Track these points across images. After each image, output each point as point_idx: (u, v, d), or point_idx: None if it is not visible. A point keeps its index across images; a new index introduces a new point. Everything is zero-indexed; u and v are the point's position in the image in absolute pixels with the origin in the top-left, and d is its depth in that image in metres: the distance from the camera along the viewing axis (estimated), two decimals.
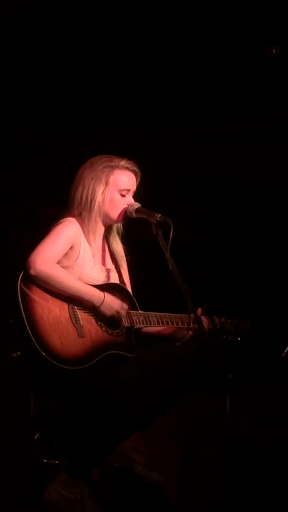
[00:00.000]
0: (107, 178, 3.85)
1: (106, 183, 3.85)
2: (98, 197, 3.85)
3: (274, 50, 4.71)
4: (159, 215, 3.79)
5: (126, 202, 3.89)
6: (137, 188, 3.95)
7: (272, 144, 5.42)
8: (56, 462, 3.88)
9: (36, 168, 5.20)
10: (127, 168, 3.90)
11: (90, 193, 3.85)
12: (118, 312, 3.77)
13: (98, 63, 5.03)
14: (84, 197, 3.85)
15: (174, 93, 5.21)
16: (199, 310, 4.00)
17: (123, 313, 3.80)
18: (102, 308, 3.74)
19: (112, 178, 3.86)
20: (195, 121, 5.36)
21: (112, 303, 3.77)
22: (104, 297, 3.75)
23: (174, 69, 5.05)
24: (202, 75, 5.06)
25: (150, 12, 4.67)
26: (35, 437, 3.84)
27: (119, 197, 3.88)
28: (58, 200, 4.01)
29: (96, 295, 3.74)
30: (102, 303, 3.73)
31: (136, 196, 3.95)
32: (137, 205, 3.90)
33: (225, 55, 4.89)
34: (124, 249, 4.05)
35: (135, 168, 3.92)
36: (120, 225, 4.02)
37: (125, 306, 3.83)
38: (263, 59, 4.80)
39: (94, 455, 3.66)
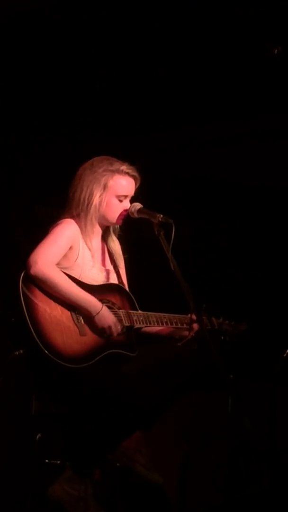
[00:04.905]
0: (106, 182, 3.84)
1: (105, 187, 3.84)
2: (96, 200, 3.83)
3: (276, 50, 4.71)
4: (161, 215, 3.78)
5: (123, 206, 3.88)
6: (135, 193, 3.93)
7: (274, 144, 5.42)
8: (58, 462, 3.89)
9: (38, 168, 5.20)
10: (127, 174, 3.88)
11: (88, 195, 3.83)
12: (110, 327, 3.70)
13: (99, 62, 5.03)
14: (82, 199, 3.84)
15: (175, 93, 5.21)
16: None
17: (115, 331, 3.72)
18: (96, 318, 3.68)
19: (111, 183, 3.84)
20: (196, 120, 5.35)
21: (107, 317, 3.71)
22: (102, 309, 3.71)
23: (175, 68, 5.05)
24: (203, 74, 5.06)
25: (151, 11, 4.67)
26: (37, 437, 3.84)
27: (117, 202, 3.87)
28: (60, 200, 4.00)
29: (94, 304, 3.70)
30: (98, 313, 3.69)
31: (135, 198, 3.94)
32: (139, 205, 3.89)
33: (226, 55, 4.89)
34: (121, 247, 4.04)
35: (135, 173, 3.90)
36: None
37: (119, 326, 3.75)
38: (264, 59, 4.80)
39: (96, 453, 3.67)
